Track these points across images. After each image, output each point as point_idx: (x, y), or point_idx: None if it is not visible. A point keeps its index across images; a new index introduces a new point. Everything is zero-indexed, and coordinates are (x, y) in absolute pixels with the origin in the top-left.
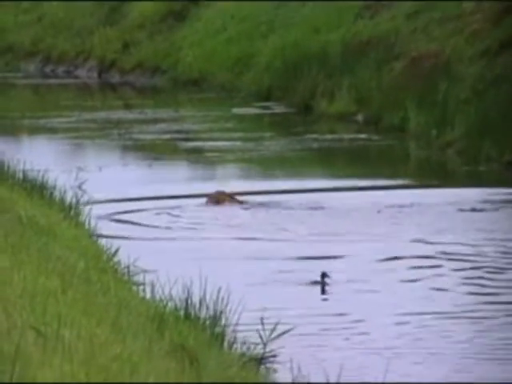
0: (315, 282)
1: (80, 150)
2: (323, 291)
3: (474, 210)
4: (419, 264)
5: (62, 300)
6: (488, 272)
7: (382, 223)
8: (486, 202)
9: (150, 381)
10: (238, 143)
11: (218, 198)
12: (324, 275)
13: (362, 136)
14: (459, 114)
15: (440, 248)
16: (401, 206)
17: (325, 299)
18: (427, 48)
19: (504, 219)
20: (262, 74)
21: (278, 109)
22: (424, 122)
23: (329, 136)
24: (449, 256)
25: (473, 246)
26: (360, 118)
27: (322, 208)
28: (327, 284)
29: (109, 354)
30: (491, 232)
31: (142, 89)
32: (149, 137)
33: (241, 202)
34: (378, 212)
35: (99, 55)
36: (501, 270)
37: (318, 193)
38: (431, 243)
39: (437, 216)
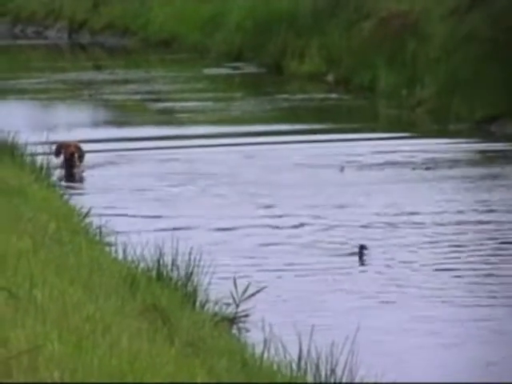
0: (352, 253)
1: (50, 112)
2: (362, 262)
3: (428, 168)
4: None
5: (33, 261)
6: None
7: (336, 181)
8: (440, 161)
9: (123, 341)
10: (209, 104)
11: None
12: (362, 247)
13: (333, 96)
14: (429, 73)
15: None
16: (361, 165)
17: (300, 261)
18: (397, 7)
19: (443, 179)
20: (232, 34)
21: (249, 69)
22: (394, 81)
23: (299, 96)
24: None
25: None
26: (330, 77)
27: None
28: (365, 255)
29: (81, 315)
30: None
31: (113, 49)
32: (119, 97)
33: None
34: (341, 170)
35: (69, 15)
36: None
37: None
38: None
39: (386, 175)
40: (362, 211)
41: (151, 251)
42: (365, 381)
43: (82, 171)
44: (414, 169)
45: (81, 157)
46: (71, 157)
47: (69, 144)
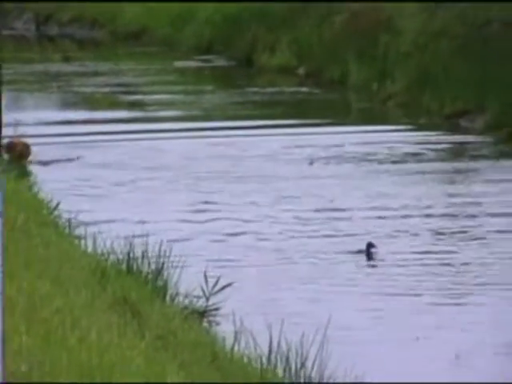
0: (359, 252)
1: (18, 103)
2: (370, 259)
3: (394, 162)
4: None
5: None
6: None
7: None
8: (408, 154)
9: (92, 334)
10: (179, 96)
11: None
12: (370, 245)
13: (303, 89)
14: (400, 67)
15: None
16: (330, 158)
17: (273, 254)
18: (368, 2)
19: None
20: (202, 27)
21: (219, 62)
22: (364, 75)
23: (270, 89)
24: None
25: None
26: (301, 71)
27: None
28: (373, 253)
29: (50, 308)
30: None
31: (82, 41)
32: (88, 90)
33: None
34: (311, 163)
35: (36, 6)
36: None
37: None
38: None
39: (353, 169)
40: (327, 205)
41: (121, 244)
42: (335, 374)
43: (30, 166)
44: (380, 163)
45: (28, 154)
46: (20, 155)
47: (17, 142)
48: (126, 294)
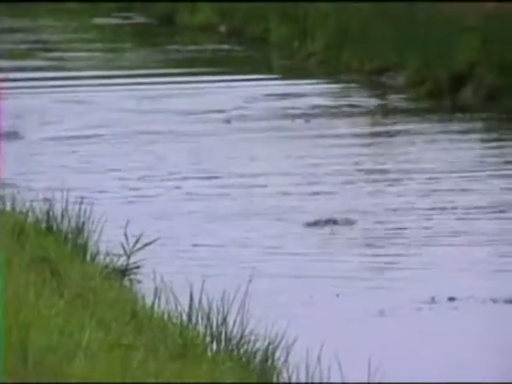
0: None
1: None
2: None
3: (307, 120)
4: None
5: None
6: None
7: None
8: (323, 111)
9: (8, 293)
10: (98, 54)
11: None
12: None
13: (225, 47)
14: (320, 25)
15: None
16: (247, 116)
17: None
18: None
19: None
20: None
21: (140, 19)
22: (286, 33)
23: (191, 47)
24: None
25: None
26: (223, 29)
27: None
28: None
29: None
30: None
31: None
32: (6, 46)
33: None
34: (228, 121)
35: None
36: None
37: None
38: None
39: (267, 128)
40: (243, 167)
41: (41, 203)
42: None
43: None
44: (293, 120)
45: None
46: None
47: None
48: (44, 252)
